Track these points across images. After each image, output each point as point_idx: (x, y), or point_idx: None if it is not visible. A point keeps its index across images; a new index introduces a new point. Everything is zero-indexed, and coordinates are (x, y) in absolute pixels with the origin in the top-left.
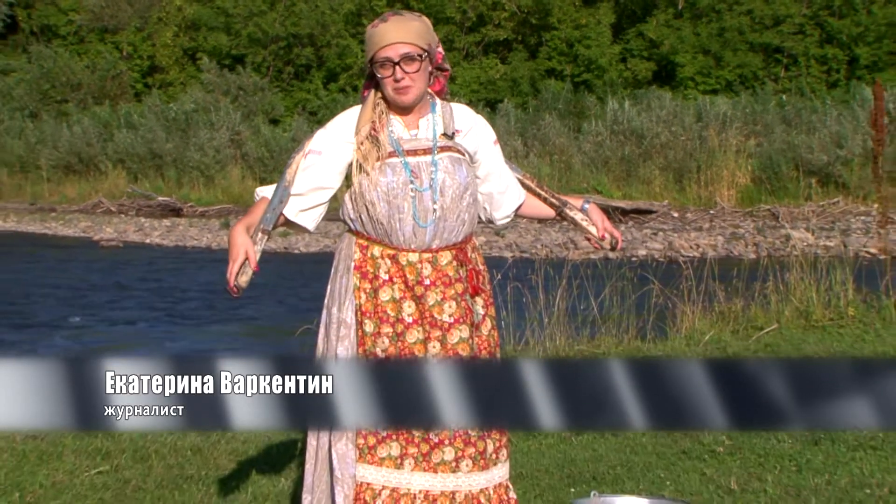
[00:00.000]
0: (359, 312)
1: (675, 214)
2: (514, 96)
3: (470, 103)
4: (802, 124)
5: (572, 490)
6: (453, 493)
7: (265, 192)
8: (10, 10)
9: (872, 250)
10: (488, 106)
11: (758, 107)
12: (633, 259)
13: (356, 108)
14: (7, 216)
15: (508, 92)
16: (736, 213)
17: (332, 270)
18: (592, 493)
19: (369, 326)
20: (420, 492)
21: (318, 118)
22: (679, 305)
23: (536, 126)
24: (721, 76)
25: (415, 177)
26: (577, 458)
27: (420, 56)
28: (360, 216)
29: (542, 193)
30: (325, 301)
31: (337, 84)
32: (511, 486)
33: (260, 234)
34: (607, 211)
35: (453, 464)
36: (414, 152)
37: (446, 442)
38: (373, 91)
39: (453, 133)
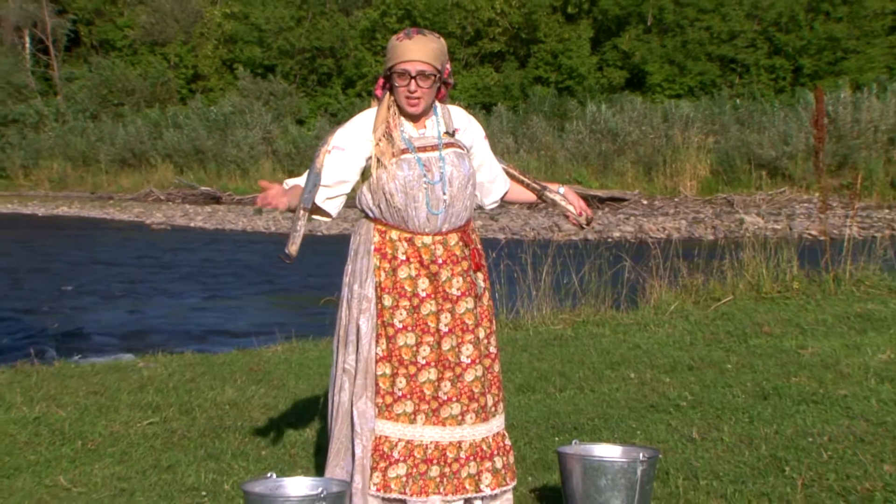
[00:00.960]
0: (378, 288)
1: (645, 202)
2: (507, 100)
3: (468, 107)
4: (754, 124)
5: (556, 439)
6: (459, 442)
7: (294, 181)
8: (74, 26)
9: (814, 232)
10: (484, 108)
11: (715, 109)
12: (609, 240)
13: (372, 110)
14: (72, 203)
15: (501, 96)
16: (697, 200)
17: (352, 252)
18: (574, 442)
19: (388, 301)
20: (431, 442)
21: (337, 119)
22: (648, 280)
23: (526, 126)
24: (684, 83)
25: (427, 170)
26: (561, 411)
27: (433, 75)
28: (380, 205)
29: (525, 180)
30: (346, 279)
31: (354, 90)
32: (506, 435)
33: (301, 212)
34: (586, 198)
35: (459, 417)
36: (423, 149)
37: (454, 399)
38: (387, 95)
39: (454, 131)
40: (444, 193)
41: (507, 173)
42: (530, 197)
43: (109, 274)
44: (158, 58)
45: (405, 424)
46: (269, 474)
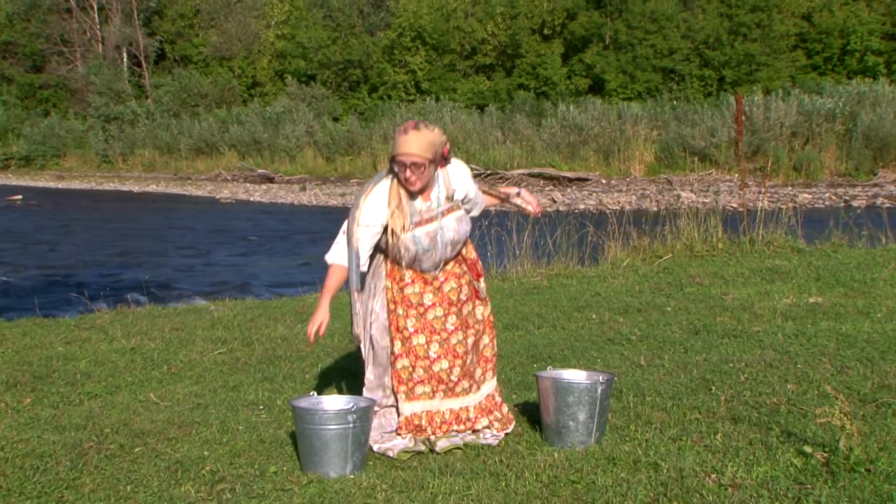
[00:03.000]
0: (391, 302)
1: (604, 181)
2: (496, 102)
3: (465, 108)
4: (688, 121)
5: (535, 365)
6: (468, 407)
7: (333, 258)
8: (160, 45)
9: (734, 205)
10: (478, 109)
11: (658, 109)
12: (575, 211)
13: (384, 184)
14: (159, 182)
15: (492, 99)
16: (644, 180)
17: (371, 272)
18: (548, 367)
19: (400, 310)
20: (448, 409)
21: (364, 117)
22: (606, 242)
23: (511, 122)
24: (634, 88)
25: (431, 242)
26: (538, 344)
27: (425, 165)
28: (393, 255)
29: (492, 192)
30: (364, 288)
31: (377, 94)
32: (496, 394)
33: (356, 295)
34: (558, 178)
35: (468, 389)
36: (430, 220)
37: (462, 378)
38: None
39: (452, 193)
40: (445, 253)
41: (482, 190)
42: (496, 202)
43: (188, 237)
44: (225, 69)
45: (427, 400)
46: (311, 393)
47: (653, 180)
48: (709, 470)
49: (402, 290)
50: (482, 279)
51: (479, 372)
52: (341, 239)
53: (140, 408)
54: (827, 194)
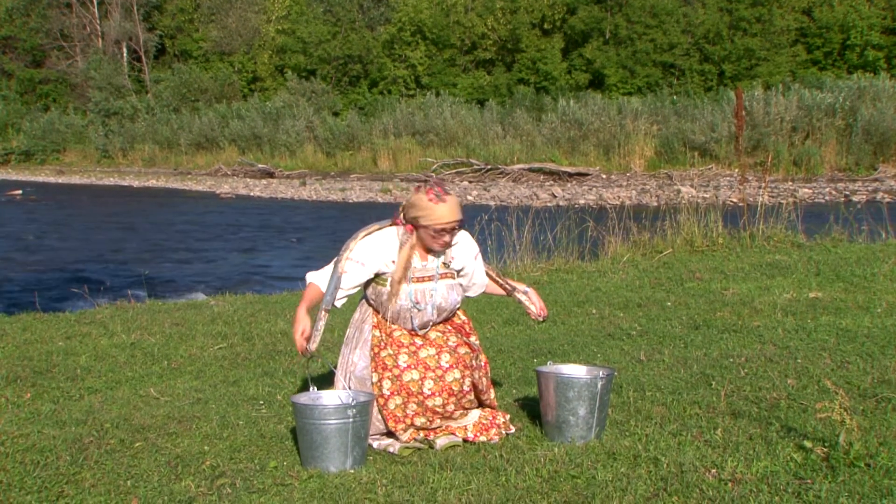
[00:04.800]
0: (376, 347)
1: (604, 176)
2: (496, 97)
3: (466, 102)
4: (688, 116)
5: (535, 360)
6: (465, 426)
7: (314, 278)
8: (160, 40)
9: (734, 200)
10: (478, 104)
11: (658, 104)
12: (576, 206)
13: (390, 232)
14: (159, 177)
15: (492, 94)
16: (644, 175)
17: (354, 326)
18: (549, 362)
19: (390, 350)
20: (446, 426)
21: (364, 112)
22: (606, 237)
23: (511, 117)
24: (634, 83)
25: (417, 301)
26: (538, 339)
27: (460, 225)
28: (379, 307)
29: (499, 281)
30: (345, 339)
31: (377, 89)
32: (488, 414)
33: (323, 313)
34: (558, 173)
35: (461, 416)
36: (422, 279)
37: (458, 410)
38: (413, 236)
39: (450, 261)
40: (431, 315)
41: (488, 275)
42: (501, 292)
43: (188, 231)
44: (225, 64)
45: (425, 431)
46: (311, 388)
47: (653, 175)
48: (709, 465)
49: (390, 335)
50: (472, 337)
51: (468, 399)
52: (330, 266)
53: (140, 403)
54: (827, 189)
